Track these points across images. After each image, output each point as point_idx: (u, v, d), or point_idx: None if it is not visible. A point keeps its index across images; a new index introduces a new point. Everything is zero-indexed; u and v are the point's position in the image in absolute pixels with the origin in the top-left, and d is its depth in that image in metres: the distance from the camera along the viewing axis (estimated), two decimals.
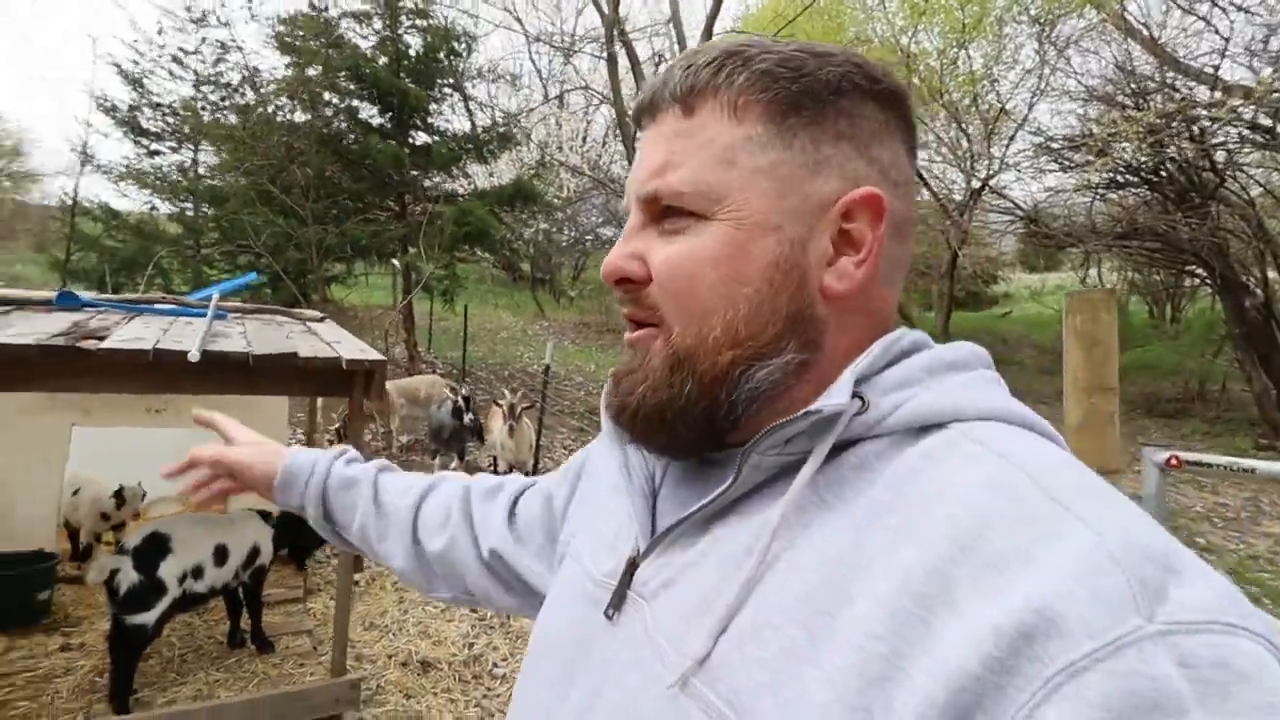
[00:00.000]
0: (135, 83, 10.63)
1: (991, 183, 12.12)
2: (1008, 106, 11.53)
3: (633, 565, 0.53)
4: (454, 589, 0.83)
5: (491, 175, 11.16)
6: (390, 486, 0.87)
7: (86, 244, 10.07)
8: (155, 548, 2.67)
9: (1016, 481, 0.39)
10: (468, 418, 5.88)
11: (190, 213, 10.60)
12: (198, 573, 2.78)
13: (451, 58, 9.67)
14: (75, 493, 3.78)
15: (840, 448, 0.46)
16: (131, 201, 11.06)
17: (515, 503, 0.81)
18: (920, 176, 13.50)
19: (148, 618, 2.58)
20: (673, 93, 0.51)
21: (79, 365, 2.16)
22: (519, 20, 13.09)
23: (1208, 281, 11.37)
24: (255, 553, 3.05)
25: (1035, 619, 0.33)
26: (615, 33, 6.99)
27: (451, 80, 9.93)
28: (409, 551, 0.84)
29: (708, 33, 7.91)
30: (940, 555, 0.37)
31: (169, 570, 2.66)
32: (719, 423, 0.49)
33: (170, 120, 10.83)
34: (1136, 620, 0.32)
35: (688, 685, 0.43)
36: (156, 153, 11.09)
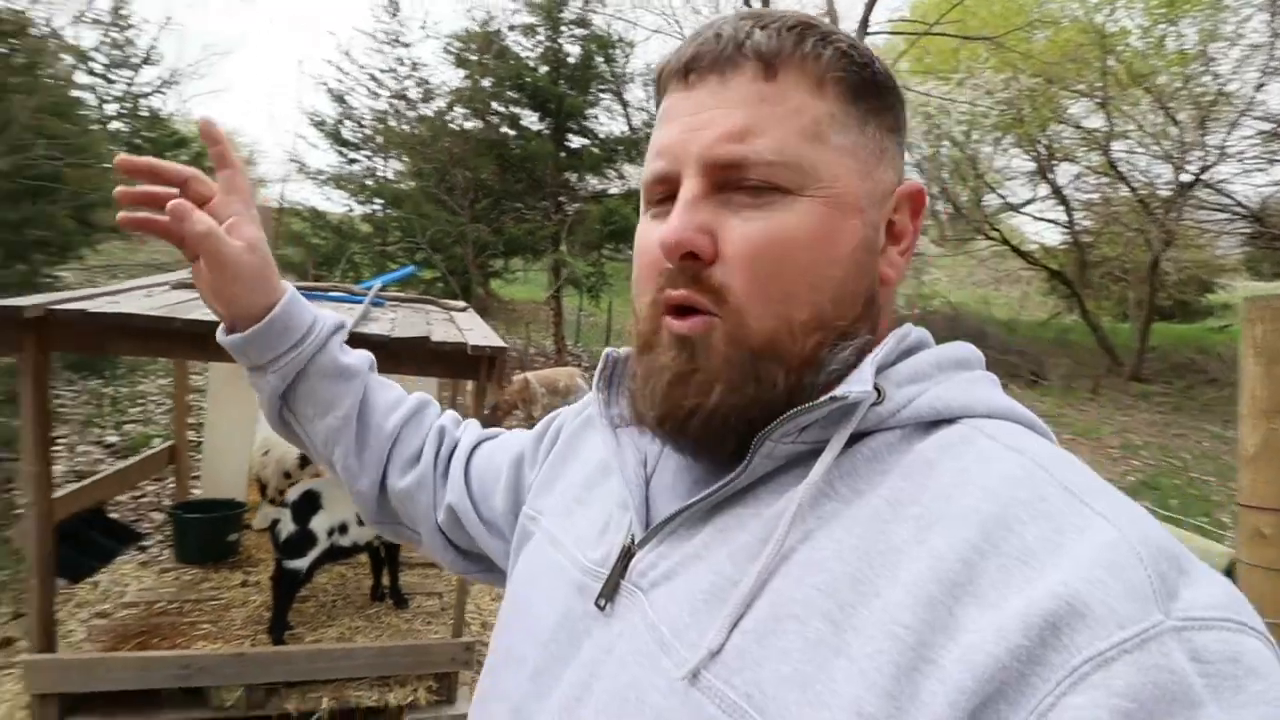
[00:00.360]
0: (339, 99, 12.11)
1: (1206, 176, 10.52)
2: (1227, 89, 9.94)
3: (627, 554, 0.51)
4: (397, 532, 0.79)
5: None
6: (379, 400, 0.77)
7: (294, 240, 11.62)
8: (309, 503, 3.06)
9: (1035, 475, 0.40)
10: None
11: (379, 213, 11.92)
12: (343, 528, 3.14)
13: (609, 63, 10.07)
14: (265, 453, 4.39)
15: (853, 439, 0.45)
16: (333, 204, 12.64)
17: (471, 455, 0.77)
18: (1115, 170, 11.99)
19: (301, 563, 2.99)
20: (755, 50, 0.46)
21: None
22: (678, 23, 13.42)
23: None
24: None
25: (1063, 608, 0.33)
26: None
27: (610, 85, 10.33)
28: (374, 483, 0.76)
29: (863, 25, 7.58)
30: (969, 545, 0.37)
31: (319, 524, 3.04)
32: (784, 410, 0.46)
33: (366, 131, 12.23)
34: (1157, 615, 0.33)
35: (698, 678, 0.42)
36: (354, 160, 12.57)
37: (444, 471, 0.77)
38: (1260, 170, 11.24)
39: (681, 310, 0.47)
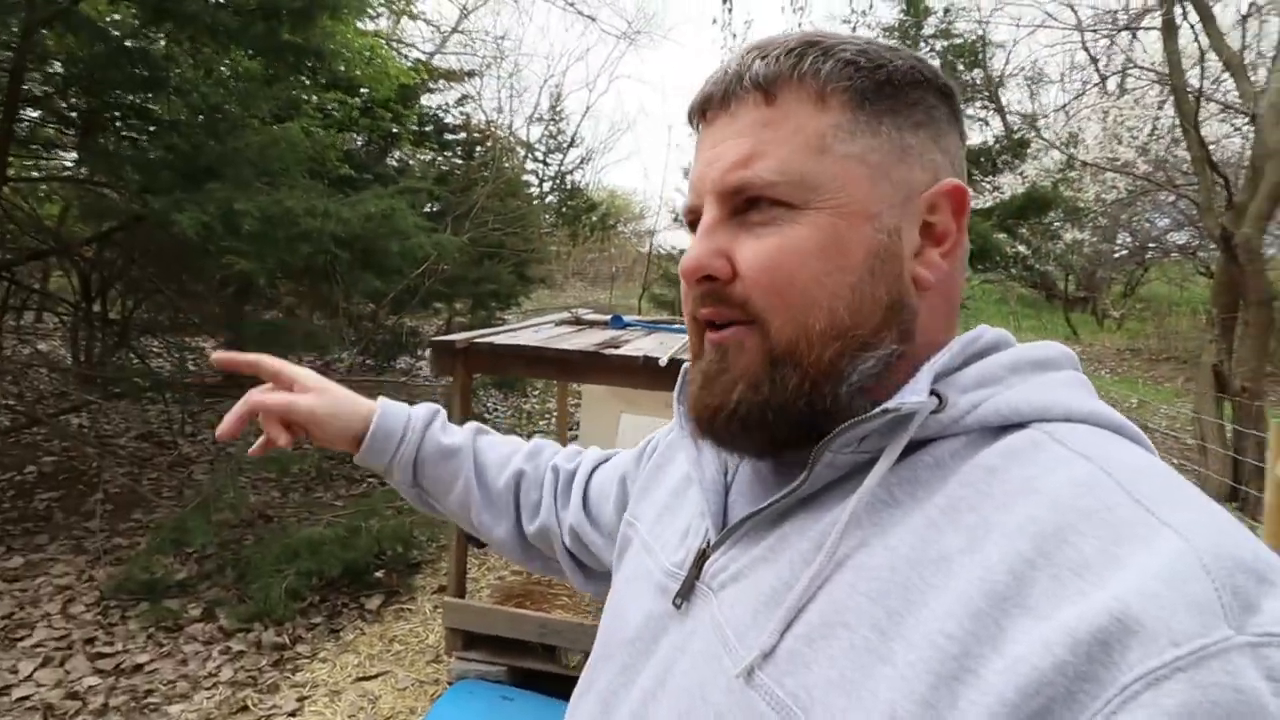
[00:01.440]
0: None
1: None
2: None
3: (702, 556, 0.54)
4: (548, 565, 0.87)
5: (1024, 181, 10.26)
6: (490, 461, 0.86)
7: (668, 280, 13.17)
8: None
9: (1102, 484, 0.38)
10: None
11: None
12: None
13: (973, 69, 9.31)
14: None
15: (915, 446, 0.45)
16: None
17: (590, 478, 0.83)
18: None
19: None
20: (754, 80, 0.49)
21: (603, 365, 3.05)
22: (1072, 9, 11.54)
23: None
24: None
25: (1115, 625, 0.32)
26: None
27: (984, 91, 9.55)
28: (512, 530, 0.85)
29: None
30: (1021, 555, 0.36)
31: None
32: (819, 418, 0.48)
33: None
34: (1225, 630, 0.30)
35: (753, 677, 0.43)
36: None
37: (564, 500, 0.84)
38: None
39: (716, 324, 0.52)
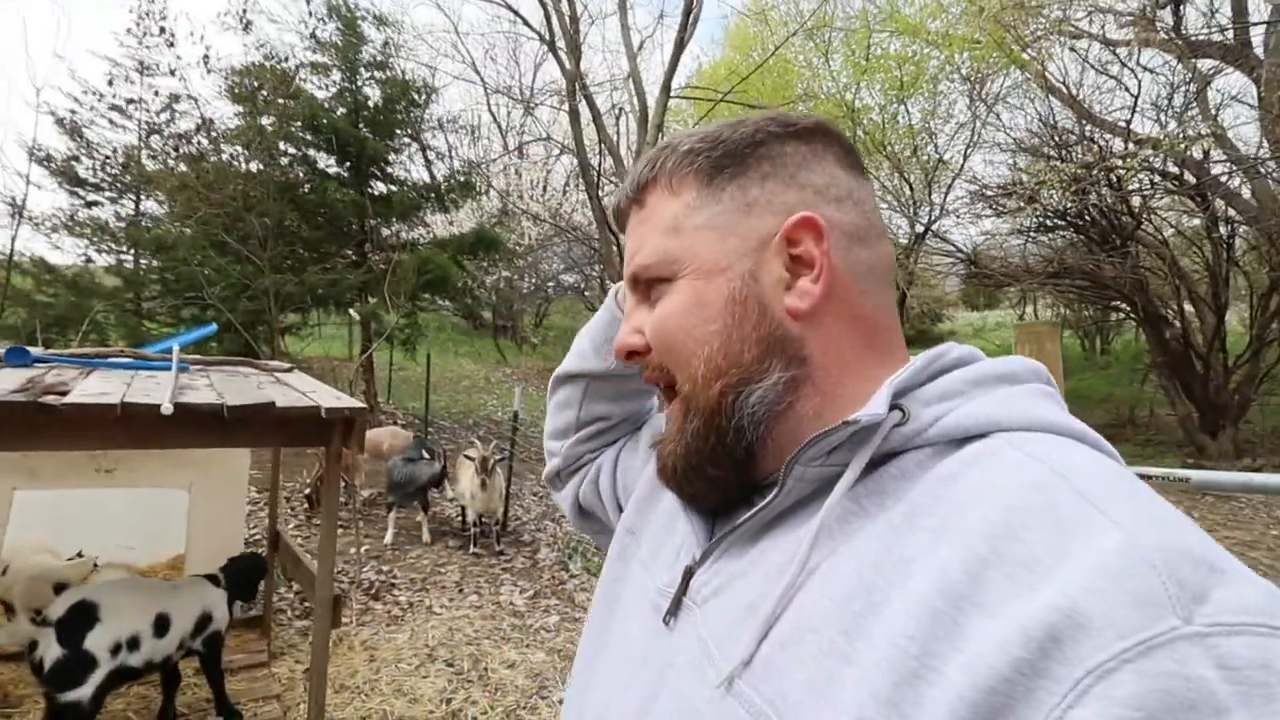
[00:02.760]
0: (74, 132, 10.33)
1: (933, 227, 12.72)
2: (945, 157, 12.24)
3: (689, 574, 0.55)
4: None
5: (452, 224, 11.21)
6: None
7: (17, 300, 9.59)
8: (81, 617, 2.44)
9: (1052, 484, 0.39)
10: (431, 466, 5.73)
11: (130, 265, 10.24)
12: (134, 643, 2.55)
13: (410, 109, 9.76)
14: (3, 571, 3.40)
15: (883, 459, 0.47)
16: (65, 255, 10.64)
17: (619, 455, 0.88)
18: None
19: (82, 693, 2.37)
20: (627, 195, 0.61)
21: (40, 422, 2.06)
22: (478, 73, 13.36)
23: (1131, 315, 12.09)
24: (207, 619, 2.84)
25: (1063, 620, 0.33)
26: (576, 87, 7.19)
27: (410, 131, 9.99)
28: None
29: (665, 89, 8.21)
30: (975, 554, 0.37)
31: (97, 641, 2.43)
32: (735, 451, 0.52)
33: (111, 170, 10.52)
34: (1172, 620, 0.32)
35: (733, 686, 0.45)
36: (95, 203, 10.72)
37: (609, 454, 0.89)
38: (971, 223, 13.94)
39: (664, 390, 0.60)
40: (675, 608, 0.55)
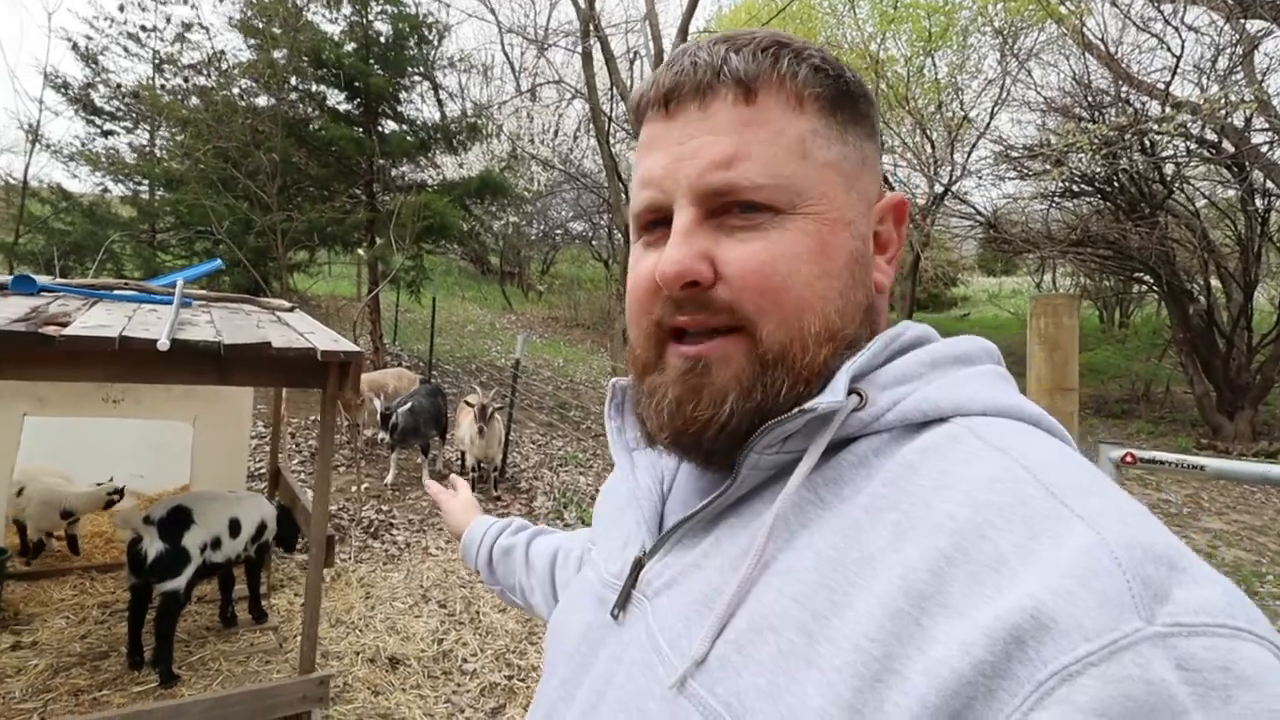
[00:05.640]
0: (89, 59, 10.20)
1: (953, 188, 12.41)
2: (970, 115, 11.82)
3: (638, 565, 0.53)
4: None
5: (462, 166, 11.06)
6: (537, 550, 0.94)
7: (35, 226, 9.64)
8: (179, 519, 2.84)
9: (1017, 477, 0.38)
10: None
11: (145, 196, 10.23)
12: (216, 543, 2.96)
13: (422, 46, 9.51)
14: (20, 492, 3.58)
15: (839, 445, 0.46)
16: (82, 183, 10.63)
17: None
18: (886, 179, 13.73)
19: (178, 583, 2.75)
20: (734, 75, 0.47)
21: (40, 353, 2.09)
22: (492, 11, 12.93)
23: (1154, 288, 11.85)
24: (263, 528, 3.25)
25: (1028, 621, 0.32)
26: (591, 27, 6.95)
27: (421, 69, 9.77)
28: (547, 596, 0.90)
29: (683, 32, 7.94)
30: (940, 553, 0.36)
31: (192, 540, 2.83)
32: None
33: (126, 100, 10.43)
34: (1136, 622, 0.31)
35: (685, 686, 0.43)
36: (111, 133, 10.66)
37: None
38: (993, 185, 13.59)
39: (687, 333, 0.49)
40: (624, 601, 0.53)
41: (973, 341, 0.51)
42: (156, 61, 10.33)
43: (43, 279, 2.99)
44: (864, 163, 0.51)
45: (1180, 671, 0.30)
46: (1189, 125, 8.66)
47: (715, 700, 0.41)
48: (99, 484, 3.74)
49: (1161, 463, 2.51)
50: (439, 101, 11.52)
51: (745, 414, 0.47)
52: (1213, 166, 10.41)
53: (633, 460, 0.59)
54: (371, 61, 8.77)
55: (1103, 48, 9.65)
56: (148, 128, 10.62)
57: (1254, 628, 0.32)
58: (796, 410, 0.44)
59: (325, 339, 2.66)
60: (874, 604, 0.37)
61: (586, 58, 7.34)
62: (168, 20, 10.33)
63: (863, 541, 0.40)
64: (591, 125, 7.17)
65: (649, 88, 0.51)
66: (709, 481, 0.53)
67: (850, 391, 0.45)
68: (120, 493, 3.75)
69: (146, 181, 10.14)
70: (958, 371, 0.48)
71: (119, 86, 10.23)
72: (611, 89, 7.42)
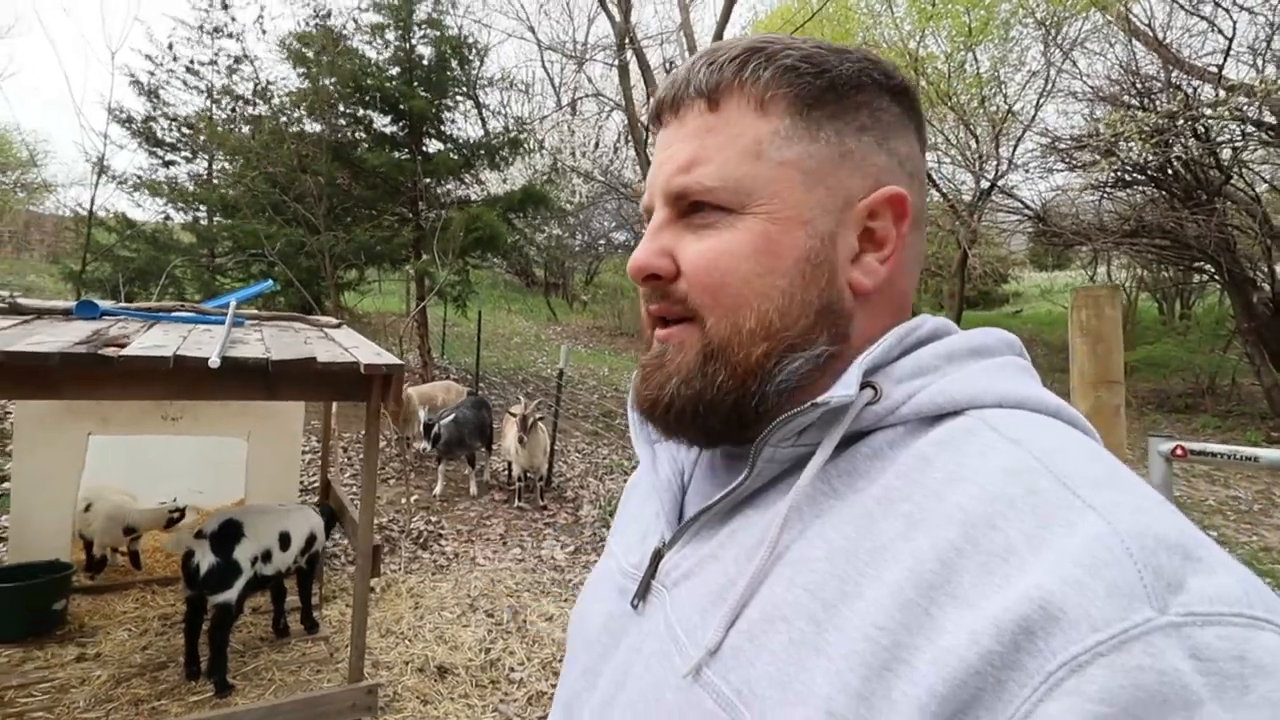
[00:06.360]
0: (151, 94, 10.73)
1: (1000, 183, 12.06)
2: (1015, 108, 11.50)
3: (658, 556, 0.54)
4: None
5: (505, 181, 11.26)
6: None
7: (101, 254, 10.16)
8: (231, 532, 2.94)
9: (1029, 468, 0.38)
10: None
11: (204, 222, 10.70)
12: (266, 556, 3.06)
13: (464, 66, 9.73)
14: (88, 508, 3.72)
15: (854, 438, 0.46)
16: (145, 212, 11.18)
17: None
18: (930, 178, 13.44)
19: (230, 595, 2.85)
20: (698, 88, 0.50)
21: (100, 373, 2.19)
22: (531, 30, 13.17)
23: (1215, 278, 11.26)
24: (313, 539, 3.35)
25: (1037, 612, 0.32)
26: (626, 41, 7.00)
27: (463, 89, 9.99)
28: None
29: (718, 39, 7.98)
30: (950, 544, 0.36)
31: (243, 553, 2.92)
32: (746, 414, 0.49)
33: (185, 131, 10.94)
34: (1147, 612, 0.31)
35: (700, 675, 0.44)
36: (172, 163, 11.20)
37: None
38: (1041, 178, 13.16)
39: (666, 321, 0.53)
40: (644, 591, 0.54)
41: (991, 334, 0.50)
42: (211, 93, 10.81)
43: (105, 303, 3.14)
44: (843, 159, 0.49)
45: (1194, 661, 0.30)
46: (1245, 108, 8.23)
47: (728, 688, 0.42)
48: (162, 503, 3.90)
49: (1213, 454, 2.39)
50: (482, 119, 11.75)
51: (685, 399, 0.50)
52: (1273, 149, 9.88)
53: (654, 453, 0.59)
54: (415, 84, 9.01)
55: (1150, 33, 9.28)
56: (205, 157, 11.11)
57: (1273, 617, 0.31)
58: (809, 404, 0.44)
59: (368, 353, 2.72)
60: (884, 593, 0.37)
61: (623, 71, 7.40)
62: (218, 53, 10.82)
63: (875, 532, 0.40)
64: (630, 136, 7.21)
65: (652, 101, 0.56)
66: (727, 474, 0.54)
67: (865, 385, 0.46)
68: (182, 512, 3.90)
69: (205, 208, 10.60)
70: (974, 364, 0.48)
71: (177, 119, 10.74)
72: (649, 100, 7.52)
